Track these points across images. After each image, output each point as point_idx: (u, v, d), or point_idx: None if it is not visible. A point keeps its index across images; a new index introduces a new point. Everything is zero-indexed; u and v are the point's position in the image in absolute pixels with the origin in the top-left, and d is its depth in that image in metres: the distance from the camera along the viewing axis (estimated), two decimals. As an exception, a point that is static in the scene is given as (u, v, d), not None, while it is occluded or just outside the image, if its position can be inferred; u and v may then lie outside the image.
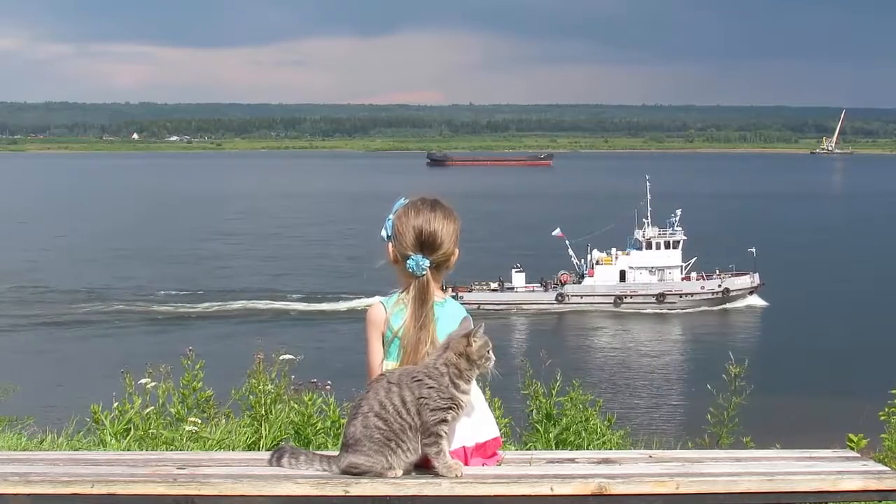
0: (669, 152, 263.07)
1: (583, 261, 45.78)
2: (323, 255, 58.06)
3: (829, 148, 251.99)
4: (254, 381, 6.11)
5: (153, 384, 6.14)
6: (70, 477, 2.99)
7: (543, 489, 2.92)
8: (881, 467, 3.15)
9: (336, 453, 3.11)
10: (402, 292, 3.26)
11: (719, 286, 45.08)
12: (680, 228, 45.42)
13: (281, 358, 6.18)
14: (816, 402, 25.45)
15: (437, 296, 3.26)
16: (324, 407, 6.24)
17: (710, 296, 45.05)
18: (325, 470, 3.02)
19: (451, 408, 3.03)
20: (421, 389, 3.02)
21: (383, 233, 3.30)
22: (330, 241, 63.83)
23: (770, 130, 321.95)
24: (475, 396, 3.16)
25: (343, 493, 2.90)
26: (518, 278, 44.81)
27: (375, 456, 2.97)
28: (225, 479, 2.96)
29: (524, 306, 44.21)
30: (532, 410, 6.55)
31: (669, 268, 45.24)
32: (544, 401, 6.46)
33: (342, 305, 42.76)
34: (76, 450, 5.78)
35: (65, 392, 23.77)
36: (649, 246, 45.37)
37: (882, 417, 6.31)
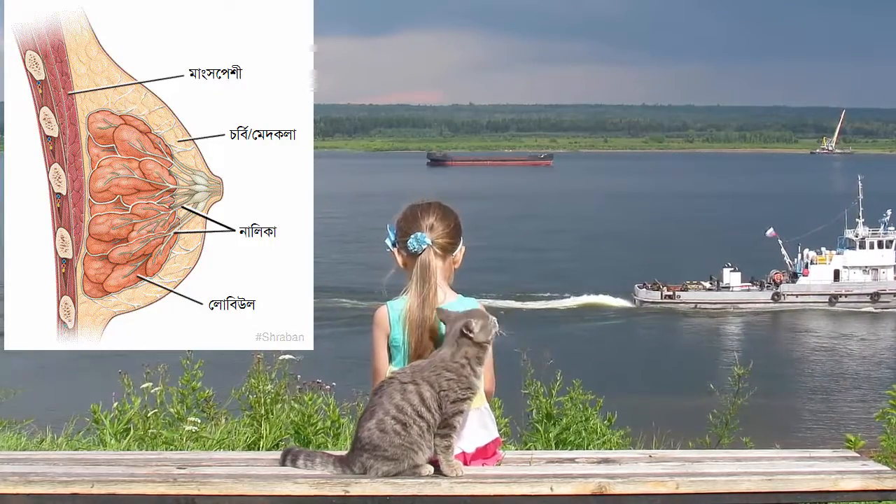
0: (669, 152, 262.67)
1: (795, 260, 45.97)
2: (324, 256, 57.97)
3: (830, 148, 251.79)
4: (253, 381, 6.11)
5: (155, 389, 6.13)
6: (70, 477, 2.99)
7: (543, 489, 2.93)
8: (881, 467, 3.16)
9: (340, 453, 3.10)
10: (407, 294, 3.20)
11: None
12: (892, 228, 45.67)
13: (281, 358, 6.18)
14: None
15: (443, 293, 3.20)
16: (324, 407, 6.23)
17: None
18: (341, 472, 3.01)
19: (469, 398, 3.04)
20: (440, 381, 3.01)
21: (387, 241, 3.27)
22: (332, 242, 63.73)
23: (770, 130, 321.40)
24: (478, 399, 3.14)
25: (343, 493, 2.90)
26: (733, 277, 45.10)
27: (397, 462, 2.96)
28: (225, 479, 2.96)
29: (740, 305, 44.45)
30: (532, 410, 6.54)
31: (883, 267, 45.49)
32: (544, 400, 6.45)
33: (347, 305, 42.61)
34: (76, 450, 5.76)
35: (65, 392, 23.75)
36: (862, 245, 45.59)
37: (877, 418, 6.29)
